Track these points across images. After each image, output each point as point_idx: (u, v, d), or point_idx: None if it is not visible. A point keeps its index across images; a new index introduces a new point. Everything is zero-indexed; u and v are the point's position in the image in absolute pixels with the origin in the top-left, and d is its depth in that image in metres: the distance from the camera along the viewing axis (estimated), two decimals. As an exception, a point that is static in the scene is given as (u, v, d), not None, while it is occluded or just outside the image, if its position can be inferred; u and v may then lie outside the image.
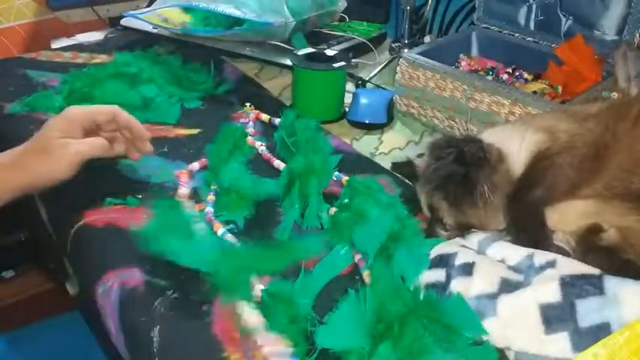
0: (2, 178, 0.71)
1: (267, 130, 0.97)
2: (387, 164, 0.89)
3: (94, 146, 0.75)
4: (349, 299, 0.58)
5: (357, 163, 0.90)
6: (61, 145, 0.73)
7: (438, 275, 0.64)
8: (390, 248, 0.66)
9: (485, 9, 1.11)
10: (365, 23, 1.36)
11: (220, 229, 0.72)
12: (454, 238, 0.70)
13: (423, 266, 0.65)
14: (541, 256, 0.62)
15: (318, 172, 0.78)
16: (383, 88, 1.13)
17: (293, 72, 1.03)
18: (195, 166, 0.85)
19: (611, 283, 0.57)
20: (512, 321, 0.57)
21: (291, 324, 0.58)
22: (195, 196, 0.80)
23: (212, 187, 0.80)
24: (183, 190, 0.80)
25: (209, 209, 0.76)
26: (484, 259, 0.64)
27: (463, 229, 0.70)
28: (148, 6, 1.28)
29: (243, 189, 0.77)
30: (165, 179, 0.83)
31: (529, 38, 1.06)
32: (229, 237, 0.71)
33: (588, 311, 0.56)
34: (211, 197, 0.78)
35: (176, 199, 0.78)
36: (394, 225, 0.68)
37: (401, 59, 1.01)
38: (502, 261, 0.65)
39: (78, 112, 0.77)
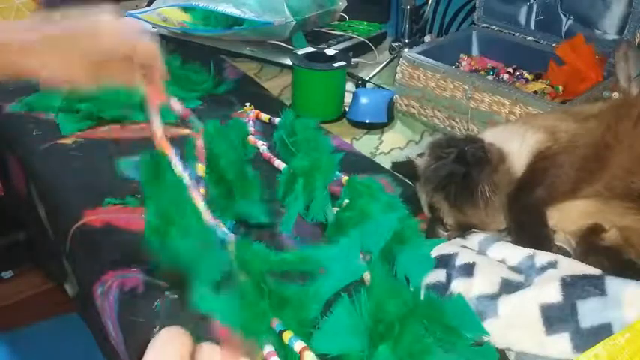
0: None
1: (267, 130, 0.97)
2: (387, 164, 0.89)
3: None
4: (343, 302, 0.58)
5: (357, 163, 0.90)
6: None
7: (438, 275, 0.64)
8: (393, 248, 0.66)
9: (486, 9, 1.11)
10: (365, 23, 1.36)
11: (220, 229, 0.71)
12: (454, 238, 0.70)
13: (429, 267, 0.65)
14: (542, 257, 0.62)
15: (322, 169, 0.78)
16: (383, 87, 1.12)
17: (293, 72, 1.03)
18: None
19: (613, 283, 0.57)
20: (513, 321, 0.57)
21: (300, 327, 0.57)
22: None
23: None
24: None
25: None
26: (485, 260, 0.64)
27: (464, 229, 0.70)
28: (148, 5, 1.28)
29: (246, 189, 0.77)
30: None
31: (530, 38, 1.06)
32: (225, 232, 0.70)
33: (589, 312, 0.55)
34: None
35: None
36: (398, 225, 0.68)
37: (401, 59, 1.00)
38: (503, 261, 0.65)
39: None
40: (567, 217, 0.68)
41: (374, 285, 0.60)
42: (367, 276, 0.65)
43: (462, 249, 0.66)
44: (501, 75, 1.05)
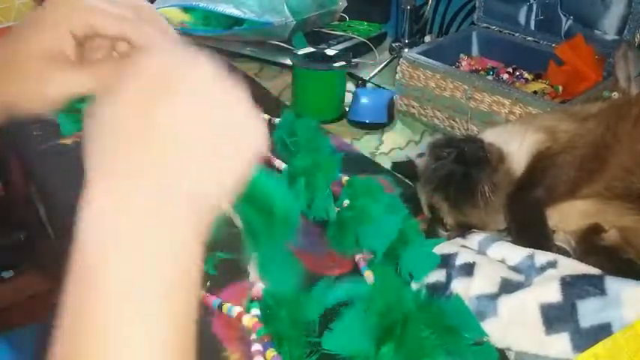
0: None
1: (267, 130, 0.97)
2: (387, 164, 0.89)
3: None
4: (355, 303, 0.58)
5: (357, 163, 0.90)
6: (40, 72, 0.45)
7: (438, 275, 0.64)
8: (397, 248, 0.66)
9: (486, 9, 1.11)
10: (365, 23, 1.36)
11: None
12: (454, 238, 0.70)
13: (434, 264, 0.65)
14: (542, 256, 0.62)
15: (324, 168, 0.78)
16: (383, 87, 1.12)
17: (293, 72, 1.03)
18: None
19: (613, 283, 0.57)
20: (513, 321, 0.57)
21: (294, 329, 0.57)
22: None
23: None
24: None
25: None
26: (484, 260, 0.64)
27: (463, 229, 0.70)
28: (148, 6, 1.28)
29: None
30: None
31: (529, 38, 1.06)
32: None
33: (589, 311, 0.55)
34: None
35: None
36: (400, 225, 0.68)
37: (401, 59, 1.00)
38: (502, 261, 0.65)
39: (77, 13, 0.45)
40: (567, 217, 0.68)
41: (379, 286, 0.60)
42: (369, 276, 0.65)
43: (462, 249, 0.66)
44: (501, 75, 1.05)
